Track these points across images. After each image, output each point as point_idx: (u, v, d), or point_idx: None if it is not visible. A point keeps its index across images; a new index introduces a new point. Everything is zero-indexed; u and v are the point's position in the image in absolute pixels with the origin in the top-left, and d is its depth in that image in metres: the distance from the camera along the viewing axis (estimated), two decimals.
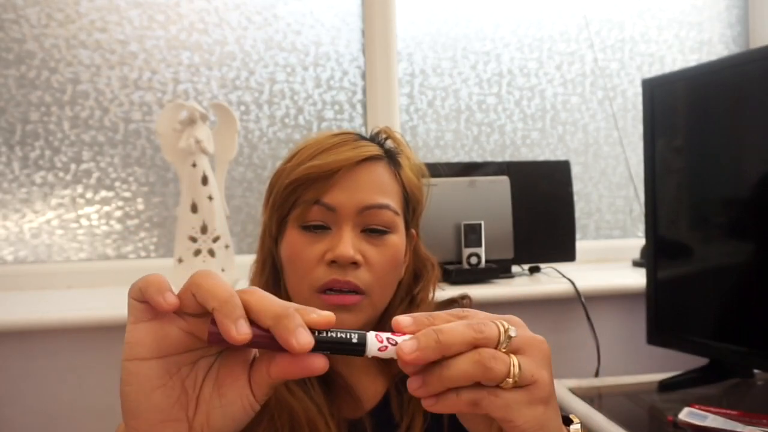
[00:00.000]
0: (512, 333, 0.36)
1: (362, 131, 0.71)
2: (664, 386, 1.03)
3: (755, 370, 1.06)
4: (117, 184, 1.36)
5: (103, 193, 1.36)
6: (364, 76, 1.51)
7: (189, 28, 1.40)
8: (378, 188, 0.65)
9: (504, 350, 0.36)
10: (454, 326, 0.36)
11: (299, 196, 0.64)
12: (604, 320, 1.23)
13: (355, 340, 0.36)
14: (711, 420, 0.83)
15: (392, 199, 0.66)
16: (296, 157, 0.66)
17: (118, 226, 1.37)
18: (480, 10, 1.59)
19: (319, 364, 0.35)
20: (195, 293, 0.35)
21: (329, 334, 0.35)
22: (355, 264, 0.62)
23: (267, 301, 0.35)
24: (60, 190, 1.34)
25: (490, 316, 0.38)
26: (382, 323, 0.70)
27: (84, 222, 1.35)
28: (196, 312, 0.36)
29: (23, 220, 1.32)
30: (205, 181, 1.10)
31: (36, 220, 1.33)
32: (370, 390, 0.69)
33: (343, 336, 0.35)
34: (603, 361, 1.20)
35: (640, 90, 1.08)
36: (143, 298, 0.35)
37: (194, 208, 1.10)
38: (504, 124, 1.60)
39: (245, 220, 1.43)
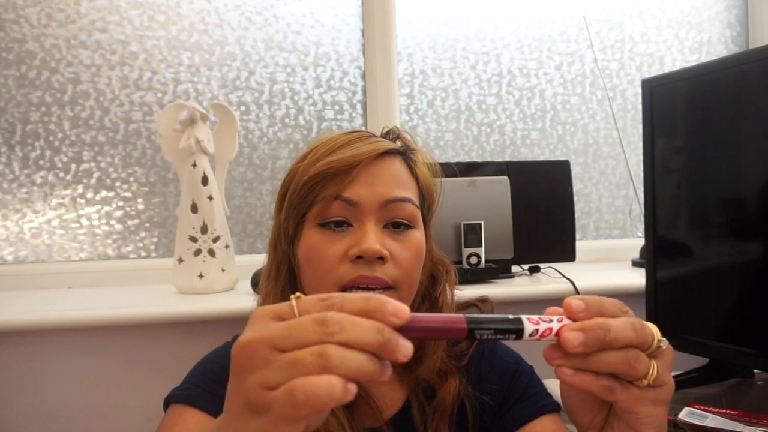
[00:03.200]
0: (663, 345, 0.40)
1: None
2: None
3: (755, 370, 1.05)
4: (117, 184, 1.36)
5: (104, 193, 1.36)
6: (364, 77, 1.51)
7: (189, 28, 1.40)
8: (398, 182, 0.64)
9: (648, 353, 0.39)
10: (622, 326, 0.38)
11: (318, 193, 0.62)
12: None
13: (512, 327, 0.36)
14: (711, 420, 0.83)
15: (412, 194, 0.65)
16: (311, 154, 0.65)
17: (118, 226, 1.37)
18: (480, 11, 1.59)
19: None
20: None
21: (488, 326, 0.35)
22: (381, 259, 0.60)
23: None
24: (60, 190, 1.34)
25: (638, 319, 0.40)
26: None
27: (84, 222, 1.35)
28: None
29: (23, 220, 1.32)
30: (205, 181, 1.10)
31: (36, 220, 1.33)
32: (389, 398, 0.67)
33: (502, 326, 0.36)
34: None
35: (639, 90, 1.08)
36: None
37: (194, 208, 1.10)
38: (504, 124, 1.60)
39: (245, 220, 1.43)
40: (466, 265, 1.17)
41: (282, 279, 0.67)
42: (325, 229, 0.62)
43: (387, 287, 0.61)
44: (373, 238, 0.60)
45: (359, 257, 0.60)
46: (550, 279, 1.23)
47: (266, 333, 0.33)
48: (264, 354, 0.33)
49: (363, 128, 1.48)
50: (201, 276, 1.10)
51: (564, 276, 1.22)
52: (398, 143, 0.69)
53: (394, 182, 0.64)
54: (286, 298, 0.68)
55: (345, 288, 0.61)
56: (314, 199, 0.62)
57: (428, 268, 0.70)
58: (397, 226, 0.63)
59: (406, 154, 0.68)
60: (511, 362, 0.74)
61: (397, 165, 0.65)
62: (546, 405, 0.70)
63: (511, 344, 0.80)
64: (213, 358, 0.71)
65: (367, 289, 0.60)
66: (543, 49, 1.63)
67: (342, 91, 1.50)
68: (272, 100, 1.45)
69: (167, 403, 0.68)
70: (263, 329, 0.34)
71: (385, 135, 0.70)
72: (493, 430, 0.69)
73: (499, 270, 1.19)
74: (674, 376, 1.17)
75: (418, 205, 0.66)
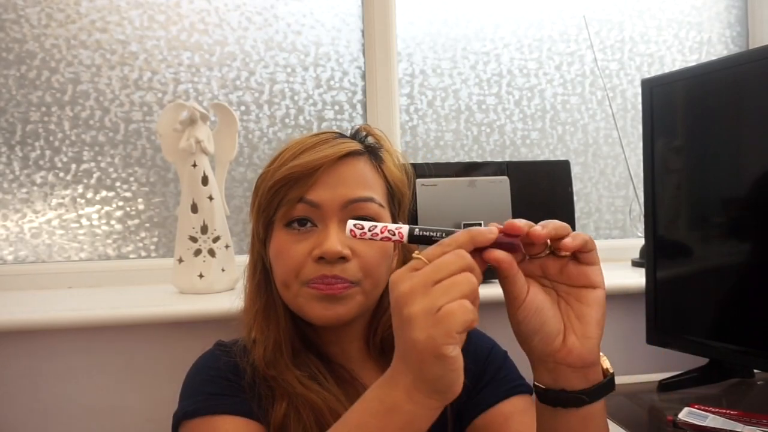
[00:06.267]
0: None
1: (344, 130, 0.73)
2: (664, 386, 1.03)
3: (755, 370, 1.06)
4: (117, 184, 1.36)
5: (104, 193, 1.36)
6: (364, 77, 1.51)
7: (189, 28, 1.40)
8: (360, 182, 0.66)
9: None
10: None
11: (283, 196, 0.65)
12: None
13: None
14: (711, 420, 0.83)
15: (376, 193, 0.67)
16: (278, 159, 0.68)
17: (118, 226, 1.37)
18: (480, 11, 1.59)
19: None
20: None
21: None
22: (343, 258, 0.63)
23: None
24: (60, 190, 1.34)
25: None
26: (377, 316, 0.70)
27: (84, 222, 1.35)
28: None
29: (23, 220, 1.32)
30: (205, 181, 1.10)
31: (36, 220, 1.33)
32: (373, 381, 0.69)
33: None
34: None
35: (639, 90, 1.08)
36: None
37: (194, 208, 1.10)
38: (504, 124, 1.60)
39: (245, 220, 1.43)
40: None
41: (257, 276, 0.72)
42: (290, 229, 0.66)
43: (349, 284, 0.64)
44: (334, 240, 0.63)
45: (321, 258, 0.63)
46: None
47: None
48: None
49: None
50: (201, 276, 1.10)
51: None
52: (369, 140, 0.71)
53: (356, 183, 0.66)
54: (261, 294, 0.73)
55: (309, 286, 0.64)
56: (280, 202, 0.66)
57: (403, 261, 0.72)
58: None
59: (372, 153, 0.70)
60: (484, 345, 0.77)
61: (360, 165, 0.67)
62: (517, 386, 0.72)
63: (487, 332, 0.80)
64: (209, 365, 0.70)
65: (328, 284, 0.63)
66: (543, 49, 1.63)
67: (342, 91, 1.50)
68: (272, 100, 1.45)
69: (181, 420, 0.65)
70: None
71: (354, 134, 0.72)
72: (465, 411, 0.71)
73: None
74: (674, 376, 1.17)
75: (383, 203, 0.68)
